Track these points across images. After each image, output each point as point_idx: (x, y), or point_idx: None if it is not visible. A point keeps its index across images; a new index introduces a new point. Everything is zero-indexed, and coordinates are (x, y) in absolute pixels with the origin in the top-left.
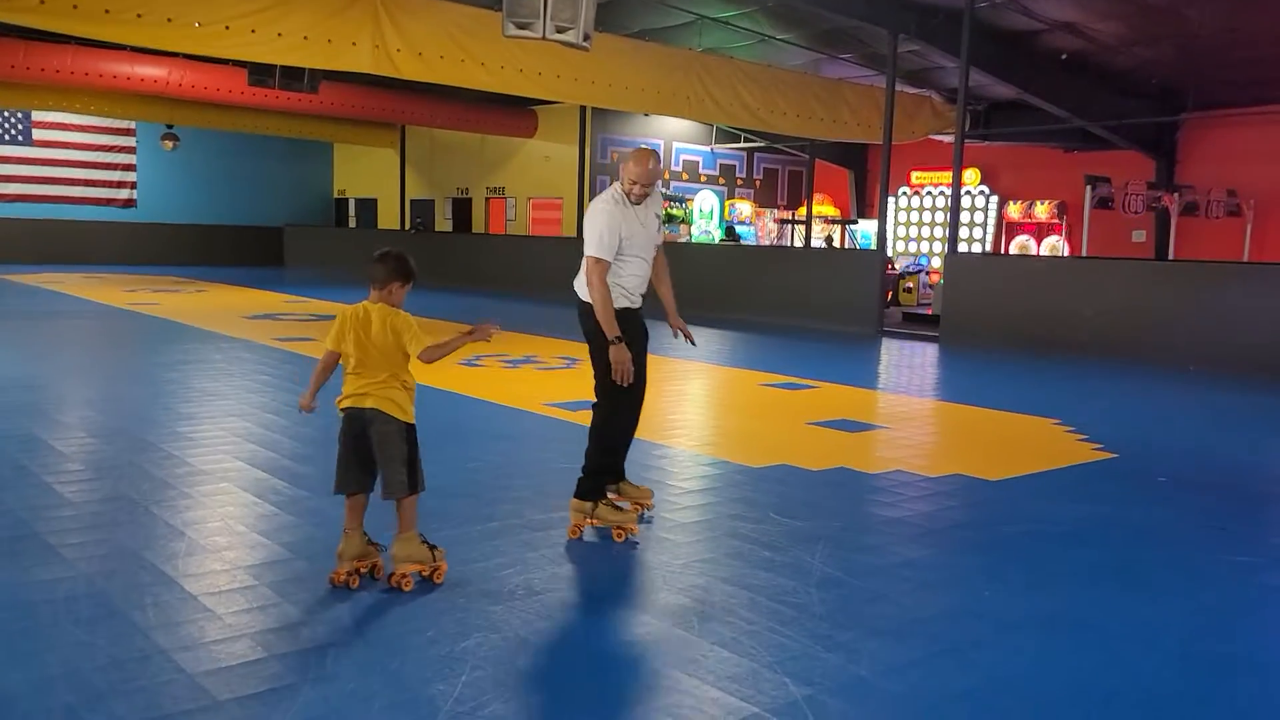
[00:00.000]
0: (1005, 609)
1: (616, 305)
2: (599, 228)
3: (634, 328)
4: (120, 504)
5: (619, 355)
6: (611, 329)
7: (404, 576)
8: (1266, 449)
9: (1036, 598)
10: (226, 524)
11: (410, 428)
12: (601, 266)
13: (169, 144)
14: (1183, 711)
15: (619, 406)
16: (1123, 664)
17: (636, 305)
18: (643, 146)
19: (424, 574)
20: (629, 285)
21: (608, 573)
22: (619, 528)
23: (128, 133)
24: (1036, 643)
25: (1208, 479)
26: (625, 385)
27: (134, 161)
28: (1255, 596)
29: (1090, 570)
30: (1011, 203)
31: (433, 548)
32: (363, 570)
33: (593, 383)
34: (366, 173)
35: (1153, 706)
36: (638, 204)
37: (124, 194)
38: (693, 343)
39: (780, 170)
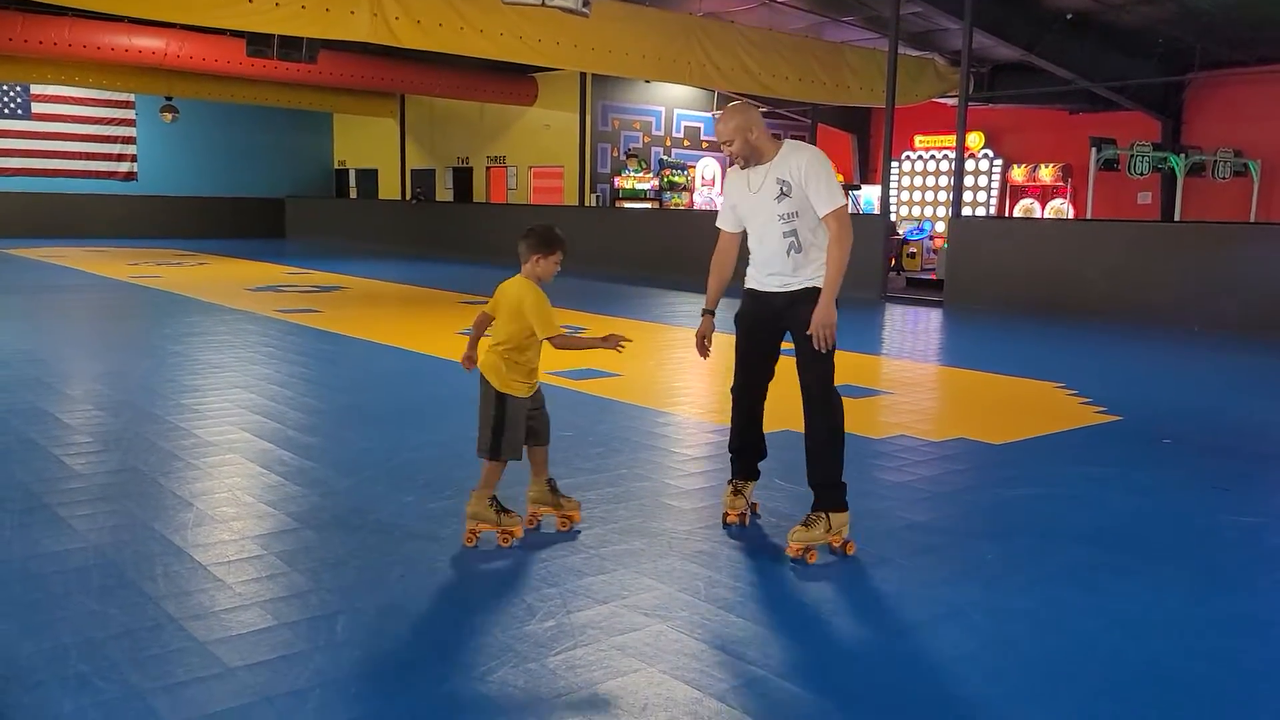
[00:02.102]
0: (1009, 572)
1: (746, 284)
2: None
3: (748, 312)
4: (128, 476)
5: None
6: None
7: (471, 533)
8: (1271, 410)
9: (1040, 560)
10: (234, 495)
11: (502, 397)
12: (719, 235)
13: (168, 116)
14: (1187, 670)
15: (734, 386)
16: (1127, 625)
17: (761, 288)
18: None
19: (496, 534)
20: (751, 260)
21: (615, 539)
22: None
23: (127, 105)
24: (1041, 604)
25: (1212, 440)
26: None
27: (134, 134)
28: (1259, 556)
29: (1094, 532)
30: (1016, 166)
31: (502, 513)
32: (540, 516)
33: None
34: (367, 143)
35: (1158, 667)
36: (746, 167)
37: (124, 167)
38: (818, 347)
39: (782, 135)
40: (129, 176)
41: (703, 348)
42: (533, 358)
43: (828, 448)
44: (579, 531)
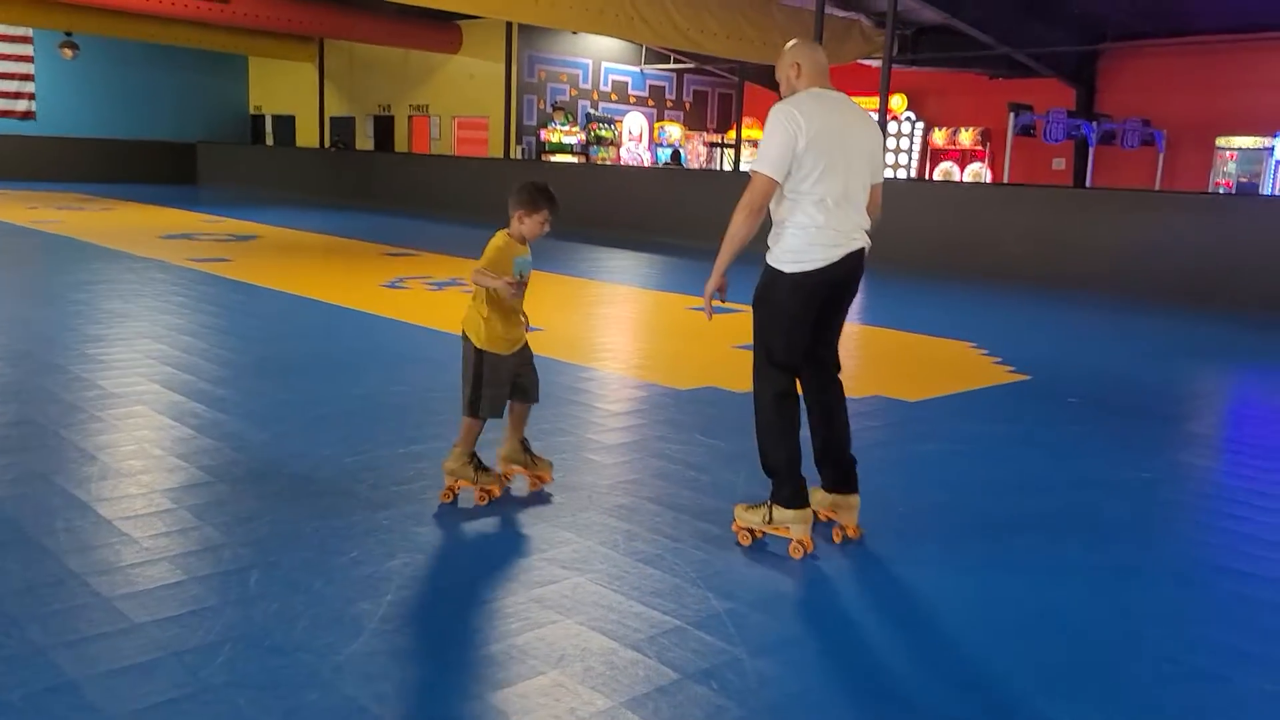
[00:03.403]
0: (921, 525)
1: None
2: None
3: None
4: (27, 428)
5: None
6: None
7: (449, 490)
8: (1170, 371)
9: (950, 514)
10: (142, 447)
11: (480, 353)
12: None
13: (68, 53)
14: (1083, 618)
15: None
16: (1029, 572)
17: None
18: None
19: (474, 491)
20: None
21: (535, 494)
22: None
23: (24, 40)
24: (950, 557)
25: (1115, 400)
26: None
27: (32, 71)
28: (1155, 510)
29: (1001, 487)
30: (937, 129)
31: (480, 470)
32: (509, 476)
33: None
34: (284, 88)
35: (1055, 614)
36: None
37: (22, 105)
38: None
39: (710, 93)
40: (27, 115)
41: None
42: (508, 313)
43: (757, 436)
44: (550, 494)
